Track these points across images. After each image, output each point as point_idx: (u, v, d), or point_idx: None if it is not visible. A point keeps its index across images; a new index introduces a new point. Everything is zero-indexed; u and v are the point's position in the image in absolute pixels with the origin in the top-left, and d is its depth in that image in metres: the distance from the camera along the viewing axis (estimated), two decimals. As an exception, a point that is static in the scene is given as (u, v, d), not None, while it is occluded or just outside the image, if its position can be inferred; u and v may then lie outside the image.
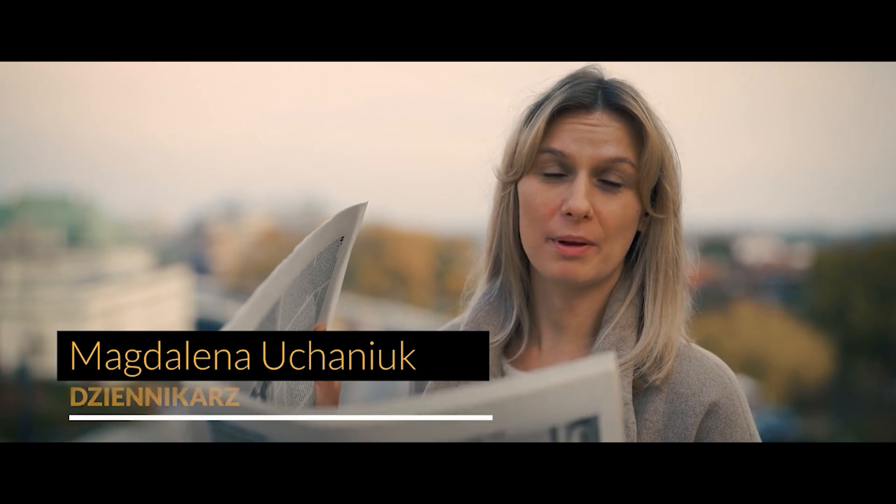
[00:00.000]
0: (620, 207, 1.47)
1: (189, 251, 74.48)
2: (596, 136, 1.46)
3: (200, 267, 69.08)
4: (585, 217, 1.44)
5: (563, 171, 1.47)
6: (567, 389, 0.92)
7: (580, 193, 1.44)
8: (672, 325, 1.50)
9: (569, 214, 1.45)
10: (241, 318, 1.15)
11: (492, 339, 1.55)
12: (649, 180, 1.48)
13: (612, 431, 0.95)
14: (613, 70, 1.54)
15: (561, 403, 0.92)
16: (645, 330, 1.48)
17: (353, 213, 1.41)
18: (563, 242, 1.45)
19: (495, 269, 1.60)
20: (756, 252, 59.70)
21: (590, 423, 0.94)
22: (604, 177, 1.47)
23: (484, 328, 1.57)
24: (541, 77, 1.55)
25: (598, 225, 1.46)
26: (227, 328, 1.13)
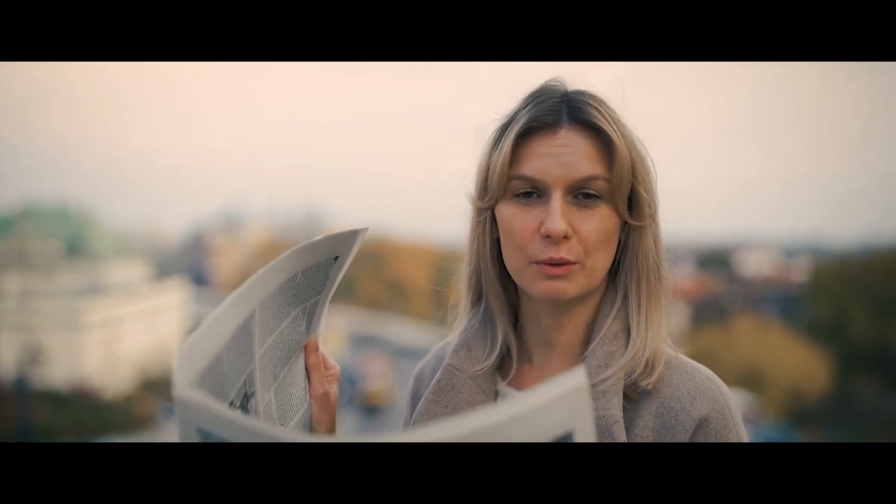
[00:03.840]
0: (599, 221, 1.45)
1: (188, 263, 74.47)
2: (564, 157, 1.45)
3: (200, 278, 69.04)
4: (564, 237, 1.43)
5: (536, 194, 1.46)
6: (542, 410, 0.92)
7: (556, 215, 1.43)
8: (658, 331, 1.49)
9: (548, 237, 1.43)
10: (209, 326, 1.12)
11: (480, 366, 1.55)
12: (622, 190, 1.46)
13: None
14: (593, 75, 1.53)
15: (537, 425, 0.92)
16: (632, 340, 1.47)
17: (352, 236, 1.39)
18: (547, 264, 1.44)
19: (478, 294, 1.59)
20: (755, 265, 59.69)
21: (566, 440, 0.94)
22: (578, 194, 1.45)
23: (474, 353, 1.56)
24: (530, 87, 1.53)
25: (577, 243, 1.44)
26: (196, 336, 1.10)
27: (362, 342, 49.83)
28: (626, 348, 1.47)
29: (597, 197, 1.45)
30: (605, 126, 1.46)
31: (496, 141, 1.50)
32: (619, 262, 1.52)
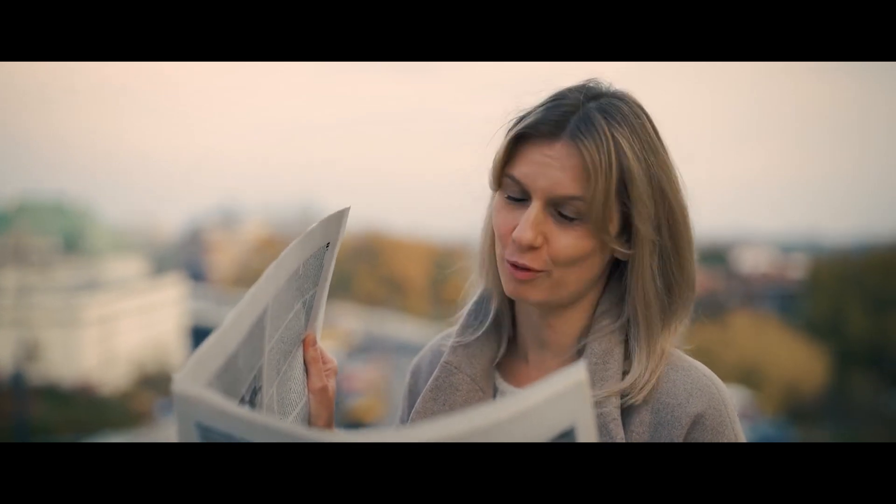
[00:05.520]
0: (573, 239, 1.43)
1: (185, 258, 74.41)
2: (551, 171, 1.42)
3: (197, 274, 68.97)
4: (531, 248, 1.43)
5: (523, 196, 1.46)
6: (544, 407, 0.93)
7: (527, 224, 1.42)
8: (660, 358, 1.47)
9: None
10: (230, 324, 1.13)
11: (469, 337, 1.56)
12: (598, 215, 1.42)
13: (588, 439, 0.96)
14: (616, 79, 1.51)
15: (541, 422, 0.93)
16: (633, 368, 1.45)
17: (338, 218, 1.40)
18: (513, 265, 1.45)
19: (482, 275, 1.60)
20: (752, 262, 59.70)
21: (568, 435, 0.94)
22: (559, 209, 1.43)
23: (467, 329, 1.58)
24: (537, 84, 1.53)
25: (545, 254, 1.43)
26: (216, 335, 1.11)
27: (360, 341, 49.64)
28: (625, 350, 1.47)
29: (576, 218, 1.43)
30: (592, 151, 1.41)
31: (507, 133, 1.50)
32: (625, 270, 1.49)
